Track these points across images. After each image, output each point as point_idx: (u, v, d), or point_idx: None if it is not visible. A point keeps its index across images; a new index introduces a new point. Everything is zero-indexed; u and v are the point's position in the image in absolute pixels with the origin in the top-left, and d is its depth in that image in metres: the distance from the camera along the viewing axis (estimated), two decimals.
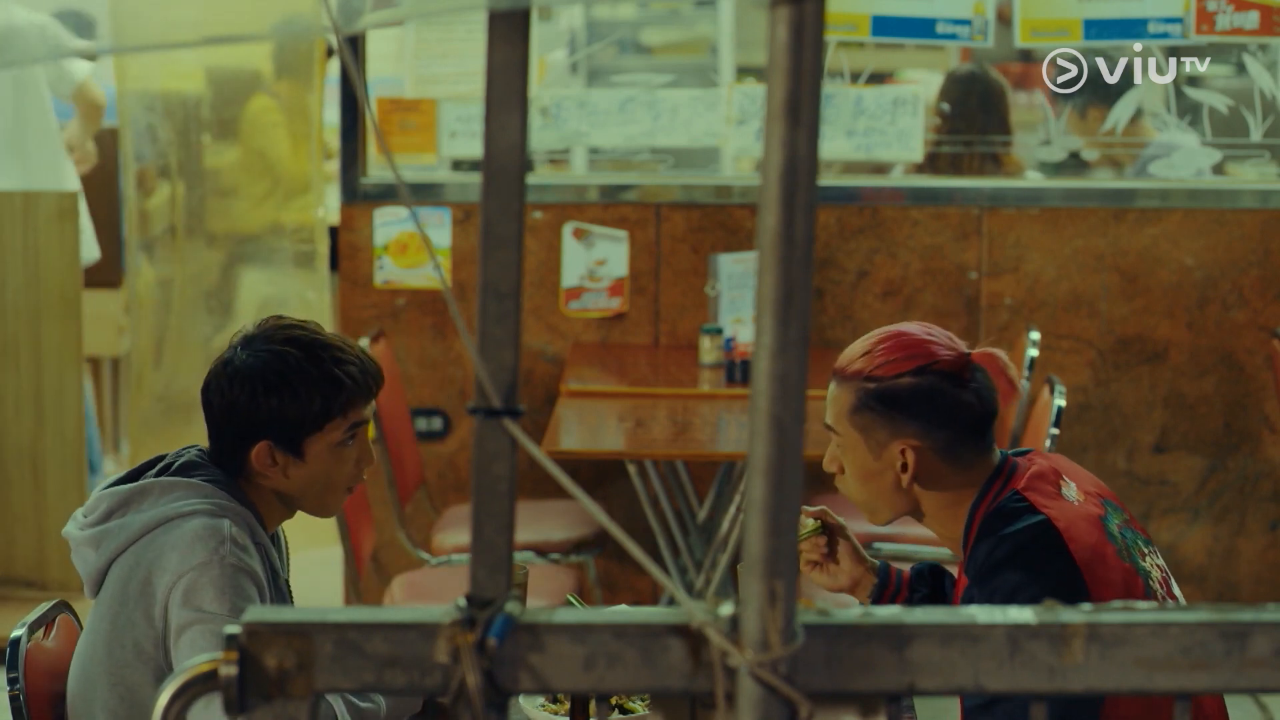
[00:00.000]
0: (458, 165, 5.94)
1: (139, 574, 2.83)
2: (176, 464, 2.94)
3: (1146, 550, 2.81)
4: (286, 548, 3.10)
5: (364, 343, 4.96)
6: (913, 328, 2.87)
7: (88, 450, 6.28)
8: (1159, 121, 5.80)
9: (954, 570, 3.13)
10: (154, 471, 2.94)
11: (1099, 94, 5.77)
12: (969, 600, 2.76)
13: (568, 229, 5.72)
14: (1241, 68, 5.80)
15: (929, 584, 3.05)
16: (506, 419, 1.57)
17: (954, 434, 2.82)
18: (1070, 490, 2.80)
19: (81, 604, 3.06)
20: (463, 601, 1.56)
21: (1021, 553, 2.71)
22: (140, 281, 6.36)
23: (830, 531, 3.03)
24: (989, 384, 2.85)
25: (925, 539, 5.09)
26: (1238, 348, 5.70)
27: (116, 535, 2.86)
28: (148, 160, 6.34)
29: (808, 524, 3.02)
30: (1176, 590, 2.87)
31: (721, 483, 5.32)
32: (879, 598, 3.02)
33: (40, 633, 2.94)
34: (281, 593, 2.96)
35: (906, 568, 3.11)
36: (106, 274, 7.43)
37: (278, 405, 2.86)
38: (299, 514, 3.01)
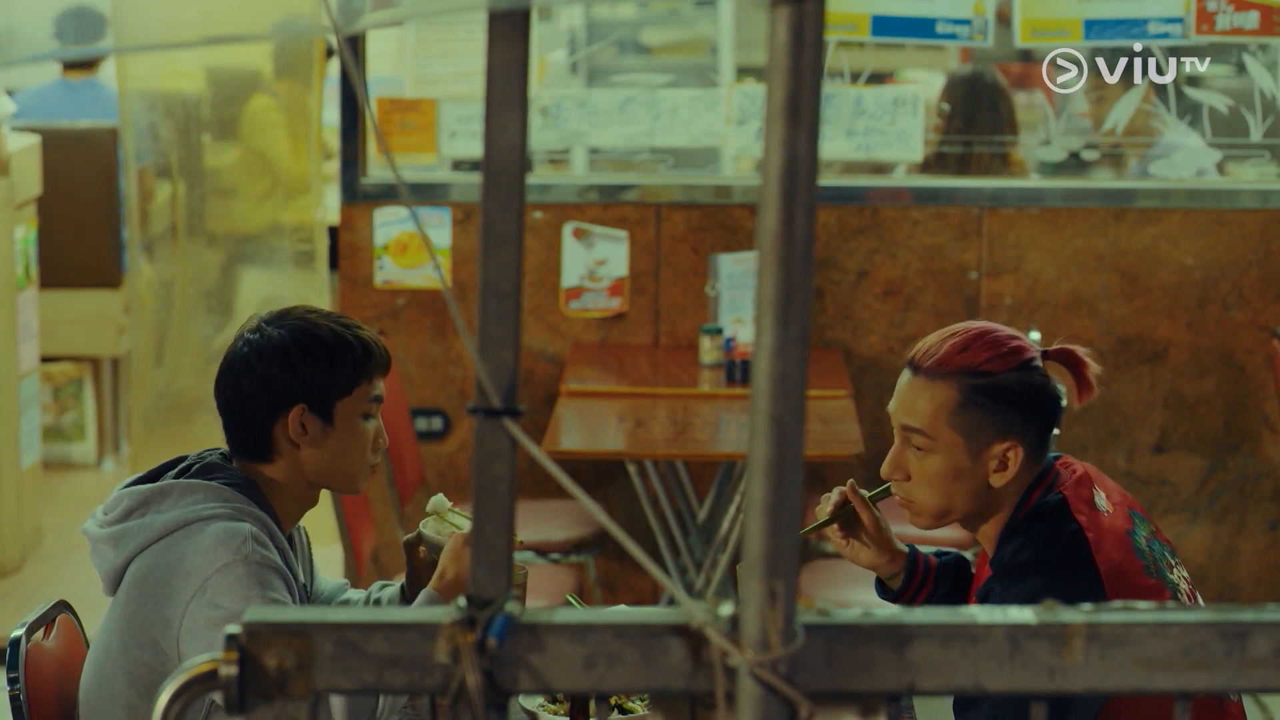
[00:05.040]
0: (458, 165, 5.94)
1: (158, 574, 2.84)
2: (197, 466, 2.95)
3: (1174, 562, 2.78)
4: (308, 544, 3.11)
5: None
6: (989, 325, 2.81)
7: None
8: (1159, 121, 5.79)
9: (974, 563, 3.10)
10: (175, 472, 2.96)
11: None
12: (987, 592, 2.74)
13: (568, 229, 5.72)
14: (1241, 68, 5.80)
15: (951, 580, 3.00)
16: (506, 419, 1.57)
17: (1043, 433, 2.77)
18: (1101, 499, 2.77)
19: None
20: (463, 601, 1.56)
21: (1048, 558, 2.69)
22: (141, 281, 6.36)
23: (853, 515, 2.95)
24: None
25: (925, 538, 5.08)
26: (1238, 348, 5.70)
27: (136, 535, 2.88)
28: (148, 161, 6.34)
29: (829, 500, 2.94)
30: (1200, 601, 2.85)
31: (721, 483, 5.31)
32: (905, 590, 2.96)
33: (40, 633, 2.94)
34: (300, 596, 2.97)
35: (932, 552, 3.04)
36: (106, 274, 7.43)
37: (314, 369, 2.91)
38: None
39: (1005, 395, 2.74)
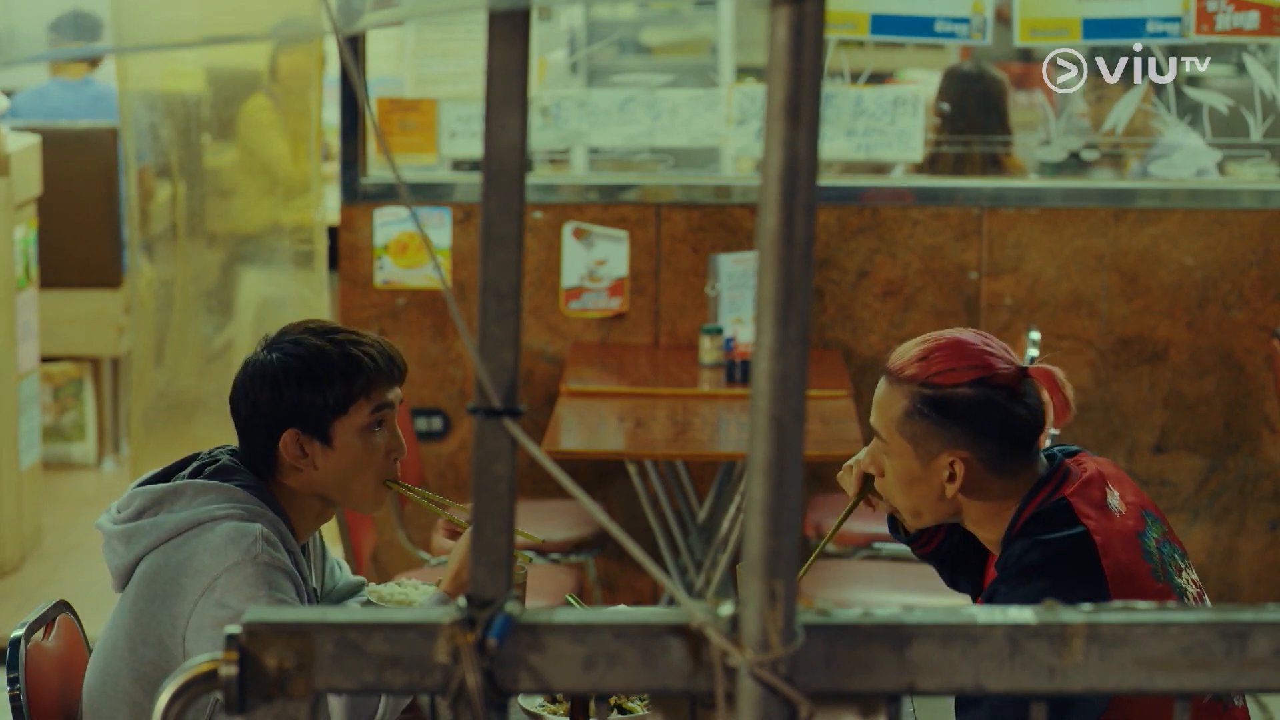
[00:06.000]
0: (458, 165, 5.94)
1: (167, 573, 2.84)
2: (211, 467, 2.95)
3: (1183, 565, 2.77)
4: (322, 548, 3.11)
5: None
6: (970, 336, 2.81)
7: None
8: (1159, 121, 5.79)
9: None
10: (188, 472, 2.96)
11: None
12: (992, 594, 2.74)
13: (568, 229, 5.72)
14: (1241, 68, 5.80)
15: (964, 529, 2.99)
16: (506, 419, 1.57)
17: (1003, 447, 2.76)
18: (1114, 499, 2.76)
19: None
20: (463, 601, 1.56)
21: (1053, 561, 2.68)
22: (141, 281, 6.36)
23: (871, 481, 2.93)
24: (1040, 398, 2.79)
25: None
26: (1238, 348, 5.70)
27: (148, 533, 2.88)
28: (148, 161, 6.34)
29: (850, 471, 2.91)
30: (1209, 604, 2.83)
31: (721, 483, 5.31)
32: (920, 534, 2.97)
33: (40, 633, 2.94)
34: (309, 601, 2.97)
35: None
36: (106, 274, 7.43)
37: (299, 392, 2.89)
38: None
39: (952, 409, 2.74)
